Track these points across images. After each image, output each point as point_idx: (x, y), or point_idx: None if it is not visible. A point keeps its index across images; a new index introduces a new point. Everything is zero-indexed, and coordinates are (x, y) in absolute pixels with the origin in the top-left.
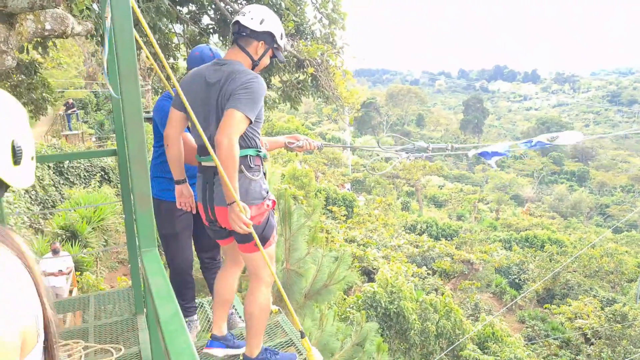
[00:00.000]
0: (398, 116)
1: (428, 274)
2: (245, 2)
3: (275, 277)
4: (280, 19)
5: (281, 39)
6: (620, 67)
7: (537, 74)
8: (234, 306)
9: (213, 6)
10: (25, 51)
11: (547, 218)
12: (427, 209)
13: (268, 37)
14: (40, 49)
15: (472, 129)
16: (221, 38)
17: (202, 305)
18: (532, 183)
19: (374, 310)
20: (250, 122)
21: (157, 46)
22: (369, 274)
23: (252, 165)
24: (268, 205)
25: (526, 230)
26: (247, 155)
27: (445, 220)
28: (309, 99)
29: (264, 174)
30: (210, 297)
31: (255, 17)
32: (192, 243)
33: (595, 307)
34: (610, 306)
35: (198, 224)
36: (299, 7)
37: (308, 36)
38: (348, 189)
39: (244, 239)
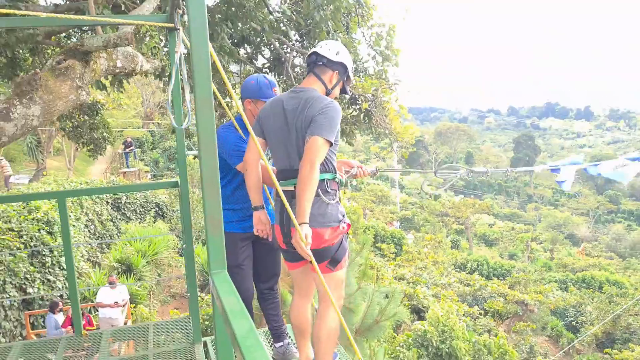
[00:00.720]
0: (446, 154)
1: (480, 314)
2: (299, 43)
3: (335, 306)
4: None
5: (352, 72)
6: None
7: (590, 110)
8: (288, 335)
9: (269, 47)
10: (102, 87)
11: (605, 258)
12: (477, 247)
13: (341, 68)
14: (116, 84)
15: (522, 167)
16: (276, 76)
17: None
18: (588, 222)
19: (425, 349)
20: (331, 145)
21: (224, 75)
22: (418, 312)
23: (329, 190)
24: (343, 228)
25: (583, 270)
26: (324, 180)
27: (496, 259)
28: (361, 136)
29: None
30: (266, 328)
31: (332, 49)
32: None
33: None
34: None
35: (257, 254)
36: (353, 45)
37: (361, 73)
38: (397, 227)
39: (319, 259)
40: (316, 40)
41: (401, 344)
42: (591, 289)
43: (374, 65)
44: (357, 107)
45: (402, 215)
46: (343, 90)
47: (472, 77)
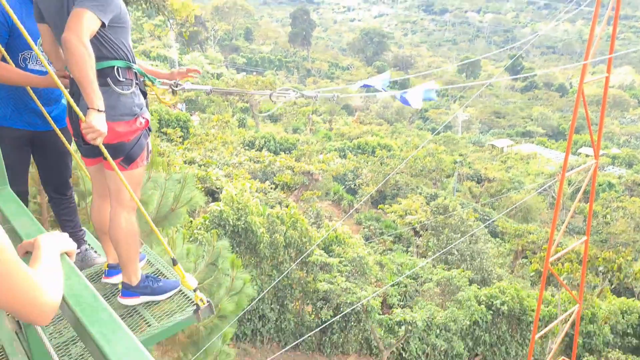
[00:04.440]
0: (225, 31)
1: (271, 188)
2: None
3: (138, 203)
4: None
5: None
6: None
7: None
8: (86, 241)
9: None
10: None
11: (376, 125)
12: (264, 124)
13: None
14: None
15: (300, 42)
16: None
17: None
18: (360, 92)
19: (223, 228)
20: (104, 25)
21: None
22: (212, 194)
23: (120, 78)
24: (141, 123)
25: (358, 138)
26: (113, 67)
27: (282, 134)
28: (133, 11)
29: (144, 93)
30: None
31: None
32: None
33: (422, 203)
34: (434, 200)
35: (40, 156)
36: None
37: None
38: (182, 109)
39: (112, 155)
40: None
41: (199, 227)
42: (366, 154)
43: None
44: None
45: (185, 97)
46: None
47: None
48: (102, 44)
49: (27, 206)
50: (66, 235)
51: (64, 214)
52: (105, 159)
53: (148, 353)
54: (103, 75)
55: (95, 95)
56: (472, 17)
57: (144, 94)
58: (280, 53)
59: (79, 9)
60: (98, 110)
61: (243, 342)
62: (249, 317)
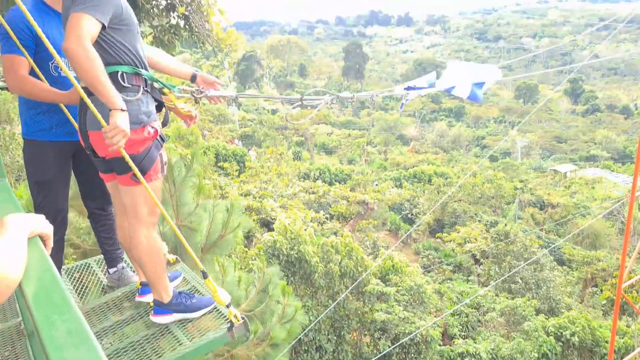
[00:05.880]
0: (280, 67)
1: (326, 218)
2: None
3: (170, 222)
4: None
5: None
6: (484, 5)
7: (410, 17)
8: (123, 259)
9: None
10: None
11: (432, 154)
12: (319, 156)
13: None
14: None
15: (354, 75)
16: None
17: (89, 266)
18: (415, 122)
19: (277, 258)
20: (104, 27)
21: None
22: (268, 225)
23: (125, 84)
24: (149, 133)
25: (413, 167)
26: (117, 72)
27: (337, 165)
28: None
29: (160, 103)
30: (100, 256)
31: None
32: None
33: (482, 231)
34: (494, 227)
35: (83, 168)
36: None
37: None
38: (238, 144)
39: (122, 169)
40: None
41: (253, 258)
42: (422, 183)
43: None
44: (175, 14)
45: (242, 133)
46: None
47: None
48: (104, 48)
49: (66, 226)
50: (42, 217)
51: (102, 231)
52: (118, 173)
53: (93, 337)
54: None
55: (113, 95)
56: (527, 42)
57: (160, 103)
58: (334, 87)
59: (75, 14)
60: (122, 109)
61: None
62: (306, 348)
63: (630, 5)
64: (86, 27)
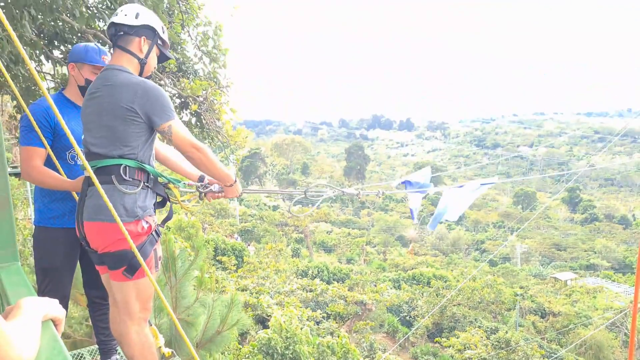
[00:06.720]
0: (283, 165)
1: (323, 317)
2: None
3: (173, 316)
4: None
5: (163, 32)
6: (483, 115)
7: (411, 122)
8: (117, 351)
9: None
10: None
11: (431, 256)
12: (317, 254)
13: (149, 32)
14: None
15: (355, 175)
16: None
17: (82, 357)
18: (414, 224)
19: (271, 357)
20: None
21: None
22: (263, 322)
23: (126, 178)
24: (143, 228)
25: (413, 269)
26: (120, 165)
27: (335, 264)
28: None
29: (167, 199)
30: (95, 346)
31: (129, 13)
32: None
33: (482, 337)
34: (494, 334)
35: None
36: (179, 47)
37: (191, 75)
38: (237, 239)
39: (113, 264)
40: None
41: (247, 356)
42: (421, 285)
43: (202, 67)
44: (187, 112)
45: (242, 227)
46: (163, 57)
47: (304, 91)
48: (119, 142)
49: (66, 311)
50: (55, 301)
51: (100, 320)
52: (110, 268)
53: None
54: (107, 172)
55: (228, 172)
56: (524, 151)
57: (164, 198)
58: (335, 186)
59: (173, 123)
60: (235, 180)
61: None
62: None
63: (624, 120)
64: (184, 129)
